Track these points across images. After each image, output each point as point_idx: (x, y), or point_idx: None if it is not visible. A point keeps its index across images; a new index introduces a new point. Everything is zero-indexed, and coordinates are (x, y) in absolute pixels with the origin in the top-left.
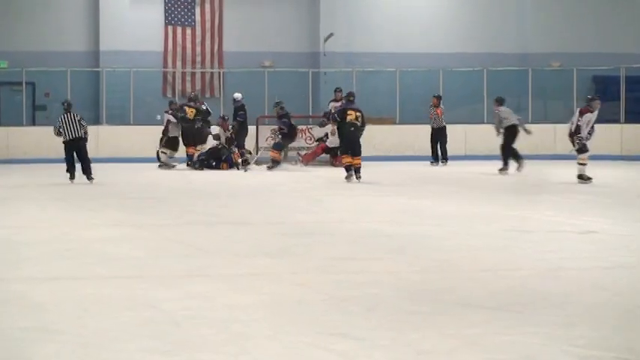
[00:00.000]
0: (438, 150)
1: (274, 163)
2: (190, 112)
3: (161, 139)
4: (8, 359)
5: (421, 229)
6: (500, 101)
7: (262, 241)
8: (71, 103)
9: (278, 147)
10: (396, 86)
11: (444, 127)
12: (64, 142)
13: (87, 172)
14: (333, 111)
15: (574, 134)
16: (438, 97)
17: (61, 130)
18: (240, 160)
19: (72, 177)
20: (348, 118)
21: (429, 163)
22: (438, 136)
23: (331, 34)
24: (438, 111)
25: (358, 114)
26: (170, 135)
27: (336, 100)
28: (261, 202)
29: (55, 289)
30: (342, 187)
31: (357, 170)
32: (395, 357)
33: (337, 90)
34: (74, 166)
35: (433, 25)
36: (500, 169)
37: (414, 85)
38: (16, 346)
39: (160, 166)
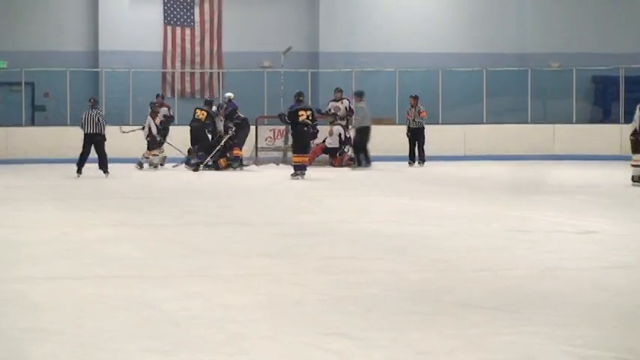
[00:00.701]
0: (416, 150)
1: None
2: (202, 115)
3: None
4: (7, 359)
5: (421, 229)
6: (360, 95)
7: (262, 241)
8: (97, 100)
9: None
10: (396, 86)
11: (423, 127)
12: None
13: (103, 166)
14: (332, 111)
15: (638, 133)
16: (415, 97)
17: (82, 123)
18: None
19: (79, 171)
20: (300, 118)
21: (406, 164)
22: (416, 137)
23: (290, 48)
24: (423, 113)
25: (309, 112)
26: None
27: (335, 100)
28: (261, 203)
29: (54, 289)
30: (342, 187)
31: (304, 168)
32: (394, 357)
33: (337, 90)
34: (84, 163)
35: (432, 25)
36: (353, 166)
37: (413, 86)
38: (15, 345)
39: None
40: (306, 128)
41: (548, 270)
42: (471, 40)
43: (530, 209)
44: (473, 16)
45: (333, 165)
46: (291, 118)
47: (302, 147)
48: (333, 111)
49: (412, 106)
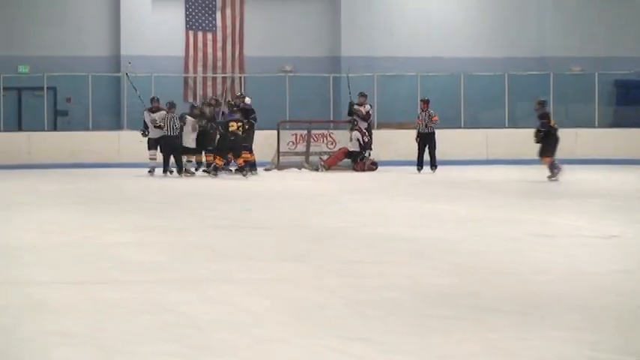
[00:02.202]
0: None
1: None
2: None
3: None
4: None
5: (442, 233)
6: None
7: (282, 245)
8: (175, 104)
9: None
10: (417, 91)
11: (434, 132)
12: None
13: (178, 165)
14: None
15: None
16: (426, 101)
17: (162, 124)
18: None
19: (170, 171)
20: (231, 128)
21: (415, 169)
22: (427, 142)
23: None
24: (435, 118)
25: (239, 124)
26: (151, 137)
27: (359, 104)
28: (282, 207)
29: (75, 293)
30: (364, 191)
31: (242, 168)
32: None
33: (361, 94)
34: (168, 162)
35: (454, 30)
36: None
37: (434, 90)
38: (37, 350)
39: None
40: (233, 138)
41: (569, 274)
42: (492, 45)
43: (552, 213)
44: (494, 21)
45: (355, 169)
46: (224, 127)
47: (233, 150)
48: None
49: (423, 111)
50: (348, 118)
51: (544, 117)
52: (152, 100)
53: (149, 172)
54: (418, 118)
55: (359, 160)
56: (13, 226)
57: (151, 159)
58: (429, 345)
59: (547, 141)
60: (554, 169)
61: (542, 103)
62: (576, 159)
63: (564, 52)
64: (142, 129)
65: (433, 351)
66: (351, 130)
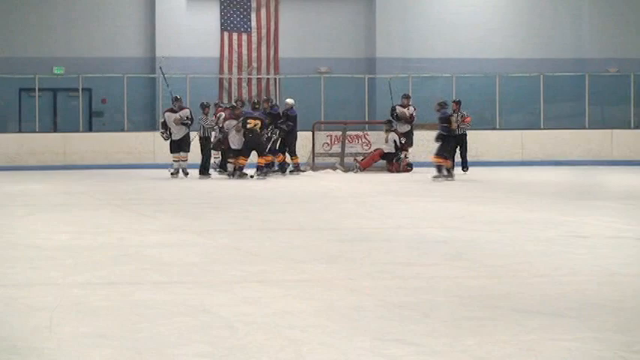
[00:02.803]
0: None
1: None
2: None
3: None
4: None
5: (477, 234)
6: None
7: (318, 246)
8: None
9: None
10: (453, 92)
11: (465, 133)
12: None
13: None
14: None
15: None
16: (458, 102)
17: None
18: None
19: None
20: (248, 125)
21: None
22: (459, 143)
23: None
24: (467, 119)
25: (257, 122)
26: (174, 138)
27: (402, 106)
28: (317, 208)
29: (112, 295)
30: (399, 192)
31: (260, 168)
32: None
33: (405, 96)
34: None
35: (489, 31)
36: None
37: (470, 91)
38: (74, 351)
39: (173, 174)
40: (251, 135)
41: (606, 276)
42: (528, 46)
43: (588, 215)
44: (530, 22)
45: (390, 171)
46: (243, 123)
47: (251, 149)
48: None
49: (455, 112)
50: (384, 119)
51: (445, 120)
52: (176, 99)
53: (172, 174)
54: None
55: (394, 161)
56: (49, 228)
57: (180, 160)
58: (466, 346)
59: (444, 142)
60: (442, 171)
61: (443, 105)
62: (612, 160)
63: (600, 53)
64: (163, 131)
65: (470, 352)
66: (387, 131)
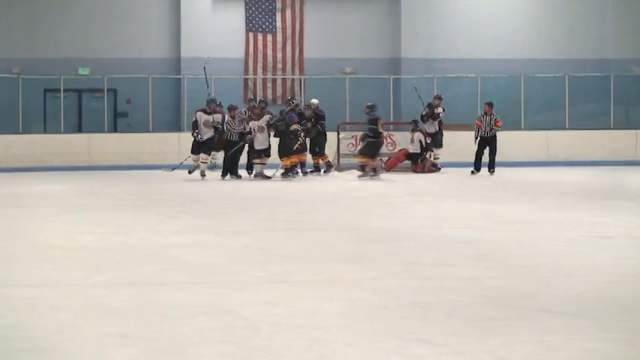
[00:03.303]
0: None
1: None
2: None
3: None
4: None
5: (501, 234)
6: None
7: (342, 247)
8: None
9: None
10: (478, 92)
11: (495, 135)
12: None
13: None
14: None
15: None
16: (490, 104)
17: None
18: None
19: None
20: (292, 128)
21: (469, 172)
22: (489, 145)
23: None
24: (499, 123)
25: (298, 125)
26: (203, 138)
27: (435, 107)
28: (342, 209)
29: (135, 295)
30: (423, 193)
31: (303, 165)
32: None
33: (437, 97)
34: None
35: (514, 31)
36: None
37: (495, 92)
38: (97, 350)
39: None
40: (292, 136)
41: (629, 276)
42: (552, 46)
43: (612, 215)
44: (555, 22)
45: (415, 171)
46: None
47: (287, 150)
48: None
49: (486, 114)
50: (409, 120)
51: (373, 122)
52: (212, 101)
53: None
54: (479, 120)
55: (419, 161)
56: (73, 228)
57: (202, 162)
58: (489, 346)
59: (369, 143)
60: (367, 170)
61: (372, 107)
62: (637, 160)
63: (625, 54)
64: (197, 131)
65: (493, 352)
66: (413, 131)
